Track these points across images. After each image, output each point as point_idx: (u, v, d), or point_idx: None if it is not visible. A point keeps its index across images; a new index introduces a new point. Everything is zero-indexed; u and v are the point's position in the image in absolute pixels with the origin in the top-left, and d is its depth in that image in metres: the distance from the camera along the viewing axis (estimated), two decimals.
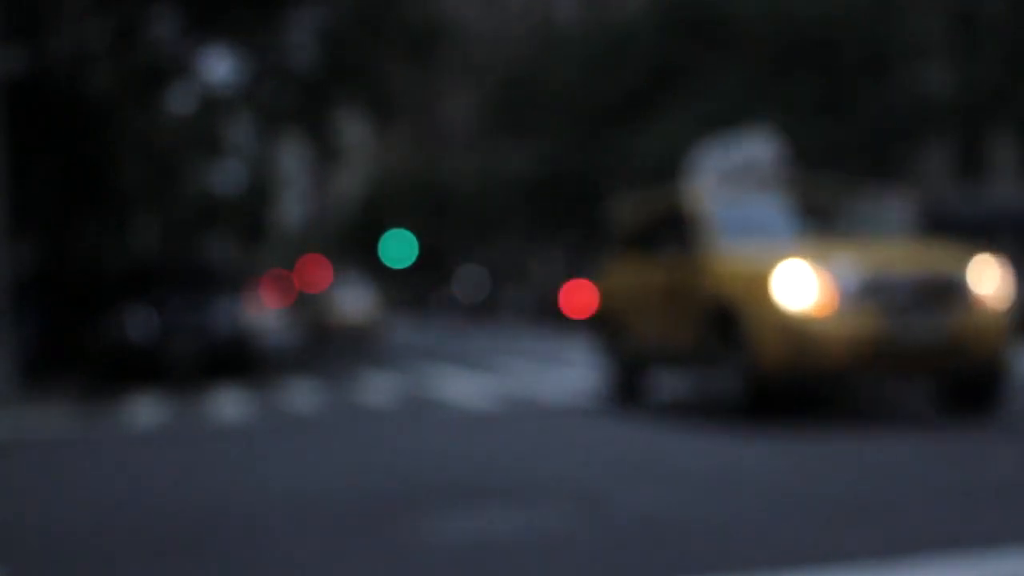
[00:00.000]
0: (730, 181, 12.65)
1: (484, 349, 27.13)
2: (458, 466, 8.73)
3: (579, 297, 47.04)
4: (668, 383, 14.32)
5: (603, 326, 13.78)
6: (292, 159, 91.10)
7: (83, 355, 21.15)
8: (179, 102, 31.10)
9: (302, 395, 16.35)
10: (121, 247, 28.36)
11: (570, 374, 17.78)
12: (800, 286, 10.15)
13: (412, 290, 70.75)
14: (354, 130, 60.95)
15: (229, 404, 15.53)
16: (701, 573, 5.03)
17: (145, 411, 15.18)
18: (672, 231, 12.10)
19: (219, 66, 29.49)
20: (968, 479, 7.22)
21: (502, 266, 59.35)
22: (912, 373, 10.45)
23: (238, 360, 20.06)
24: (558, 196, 44.94)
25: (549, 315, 45.66)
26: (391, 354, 26.86)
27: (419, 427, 11.83)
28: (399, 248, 67.27)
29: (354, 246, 73.44)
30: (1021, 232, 36.38)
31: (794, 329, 10.08)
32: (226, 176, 51.98)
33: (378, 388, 16.91)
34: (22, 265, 21.22)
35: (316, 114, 26.52)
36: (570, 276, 47.33)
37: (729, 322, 10.65)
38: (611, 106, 39.41)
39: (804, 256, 10.39)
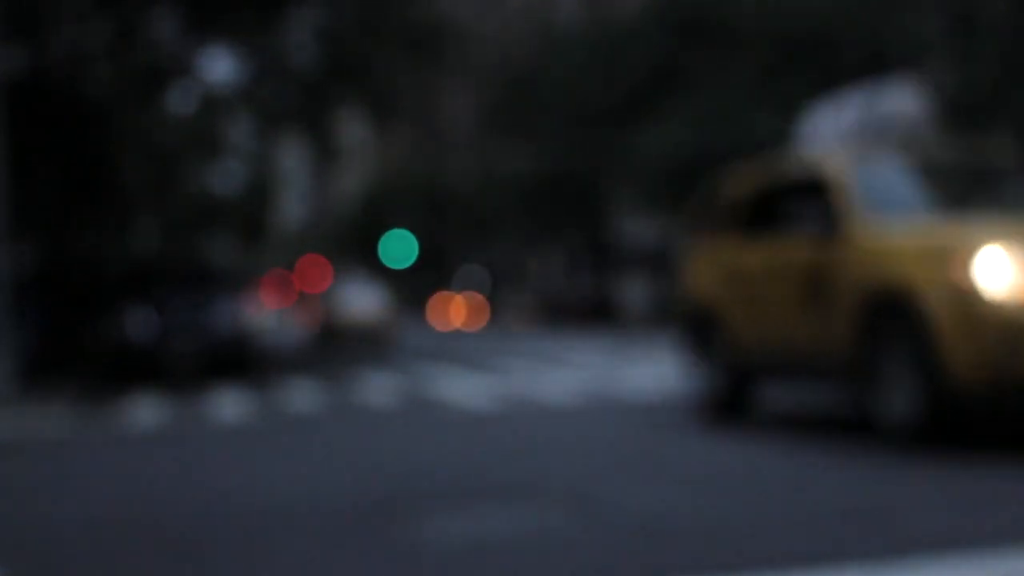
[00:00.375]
0: (868, 143, 10.25)
1: (484, 349, 27.12)
2: (458, 466, 8.73)
3: (579, 298, 47.23)
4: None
5: (695, 325, 11.53)
6: (292, 159, 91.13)
7: (83, 355, 21.15)
8: (179, 102, 31.09)
9: (302, 395, 16.35)
10: (121, 247, 28.36)
11: (570, 374, 17.77)
12: (1002, 272, 8.04)
13: (412, 290, 70.73)
14: (354, 130, 60.93)
15: (229, 404, 15.53)
16: (700, 573, 5.03)
17: (145, 411, 15.18)
18: (803, 206, 9.67)
19: (219, 66, 29.49)
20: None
21: (502, 266, 59.34)
22: None
23: (238, 360, 20.06)
24: (558, 196, 44.95)
25: (549, 315, 45.66)
26: (392, 354, 26.86)
27: (419, 427, 11.83)
28: (399, 248, 67.28)
29: (354, 246, 73.43)
30: None
31: (1003, 326, 7.93)
32: (226, 176, 51.95)
33: (378, 388, 16.91)
34: (22, 265, 21.21)
35: (316, 114, 26.52)
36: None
37: (898, 317, 8.47)
38: (611, 106, 39.42)
39: (999, 235, 8.29)
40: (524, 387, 15.77)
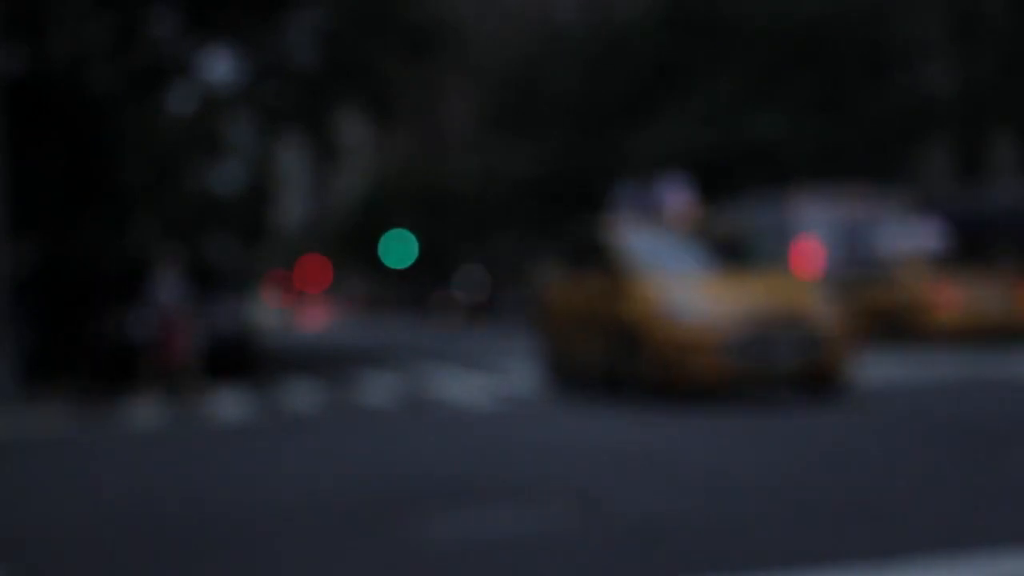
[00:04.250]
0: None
1: (484, 349, 27.12)
2: (457, 466, 8.72)
3: None
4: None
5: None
6: (293, 159, 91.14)
7: (83, 355, 21.14)
8: (179, 102, 31.07)
9: (302, 395, 16.35)
10: (121, 247, 28.35)
11: None
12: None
13: (412, 290, 70.74)
14: (354, 130, 60.96)
15: (229, 404, 15.53)
16: (701, 573, 5.03)
17: (145, 411, 15.18)
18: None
19: (219, 66, 29.48)
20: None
21: (502, 266, 59.33)
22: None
23: (239, 360, 20.06)
24: (558, 196, 44.94)
25: None
26: (391, 354, 26.86)
27: (419, 427, 11.83)
28: (399, 248, 67.27)
29: (354, 246, 73.45)
30: (1021, 232, 36.38)
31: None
32: (226, 176, 51.96)
33: (378, 388, 16.91)
34: (22, 265, 21.21)
35: (316, 113, 26.51)
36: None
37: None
38: (611, 106, 39.42)
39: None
40: (524, 386, 15.77)
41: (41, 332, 21.13)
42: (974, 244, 34.51)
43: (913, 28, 34.33)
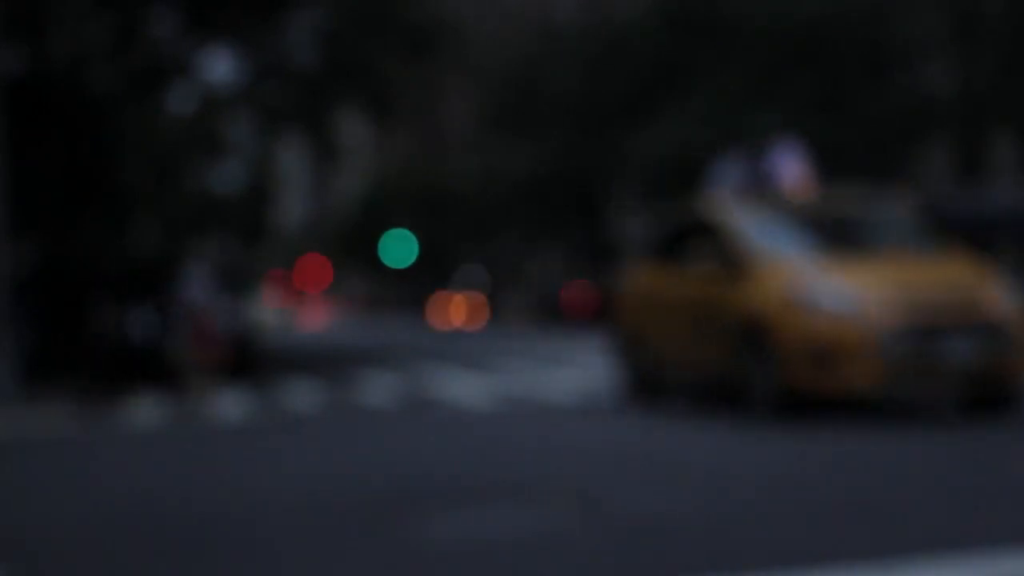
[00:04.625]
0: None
1: (484, 349, 27.11)
2: (458, 466, 8.72)
3: (579, 297, 47.28)
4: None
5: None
6: (293, 159, 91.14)
7: (83, 355, 21.14)
8: (179, 102, 31.07)
9: (302, 395, 16.34)
10: (121, 247, 28.35)
11: (570, 374, 17.76)
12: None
13: (412, 290, 70.70)
14: (354, 130, 60.91)
15: (229, 404, 15.53)
16: (701, 573, 5.03)
17: (145, 411, 15.17)
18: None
19: (219, 66, 29.46)
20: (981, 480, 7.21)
21: (502, 266, 59.31)
22: None
23: (240, 359, 20.06)
24: (558, 196, 44.93)
25: (549, 315, 45.62)
26: (391, 354, 26.85)
27: (419, 427, 11.83)
28: (399, 248, 67.24)
29: (354, 246, 73.42)
30: (1021, 232, 36.37)
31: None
32: (226, 176, 51.93)
33: (378, 388, 16.90)
34: (22, 265, 21.20)
35: (316, 113, 26.51)
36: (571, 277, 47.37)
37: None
38: (611, 106, 39.41)
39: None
40: (524, 387, 15.76)
41: (41, 332, 21.13)
42: (974, 244, 34.48)
43: (913, 28, 34.31)
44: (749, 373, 10.45)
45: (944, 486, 6.94)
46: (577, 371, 18.12)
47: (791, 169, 12.41)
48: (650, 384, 12.17)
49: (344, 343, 35.87)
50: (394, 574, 5.34)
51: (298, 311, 72.79)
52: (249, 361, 20.25)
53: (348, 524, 6.53)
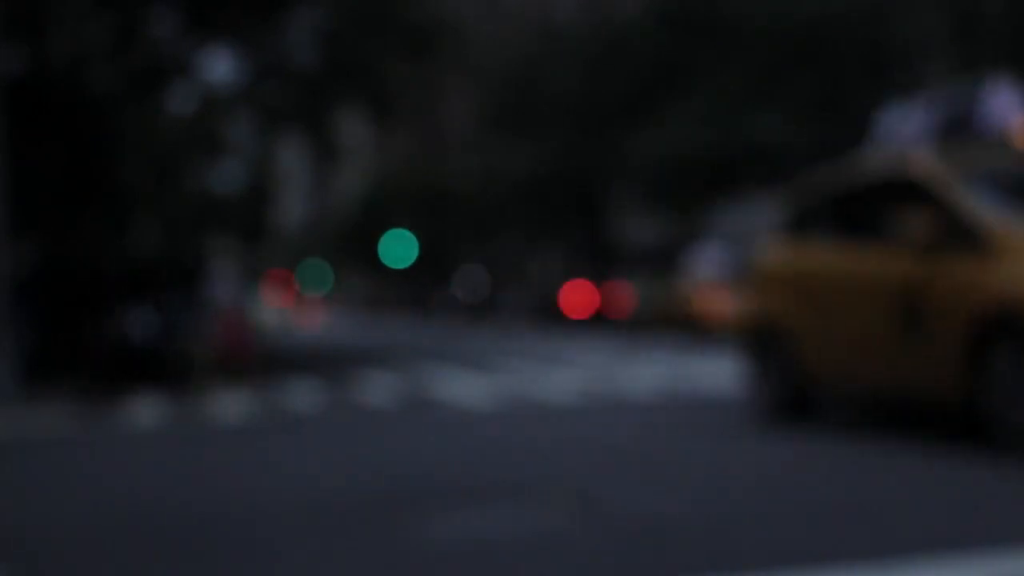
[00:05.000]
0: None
1: (484, 349, 27.11)
2: (457, 466, 8.72)
3: (579, 297, 47.24)
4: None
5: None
6: (293, 159, 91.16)
7: (83, 355, 21.15)
8: (179, 102, 31.07)
9: (302, 395, 16.34)
10: (121, 247, 28.36)
11: (570, 374, 17.76)
12: None
13: (412, 290, 70.73)
14: (354, 130, 60.92)
15: (229, 404, 15.53)
16: (701, 573, 5.03)
17: (145, 411, 15.17)
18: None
19: (219, 66, 29.47)
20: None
21: (502, 266, 59.33)
22: None
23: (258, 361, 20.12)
24: (558, 196, 44.94)
25: (549, 315, 45.59)
26: (391, 354, 26.85)
27: (419, 427, 11.83)
28: (399, 248, 67.26)
29: (354, 246, 73.45)
30: None
31: None
32: (226, 176, 51.92)
33: (378, 388, 16.90)
34: (22, 265, 21.21)
35: (316, 113, 26.51)
36: (569, 276, 47.18)
37: None
38: (611, 106, 39.44)
39: None
40: (525, 387, 15.76)
41: (41, 332, 21.13)
42: None
43: (913, 28, 34.33)
44: (1000, 386, 7.66)
45: (943, 486, 6.94)
46: (577, 371, 18.12)
47: (1010, 111, 9.32)
48: (799, 398, 9.88)
49: (344, 343, 35.88)
50: (394, 574, 5.35)
51: (298, 311, 72.80)
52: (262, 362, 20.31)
53: (348, 524, 6.53)
